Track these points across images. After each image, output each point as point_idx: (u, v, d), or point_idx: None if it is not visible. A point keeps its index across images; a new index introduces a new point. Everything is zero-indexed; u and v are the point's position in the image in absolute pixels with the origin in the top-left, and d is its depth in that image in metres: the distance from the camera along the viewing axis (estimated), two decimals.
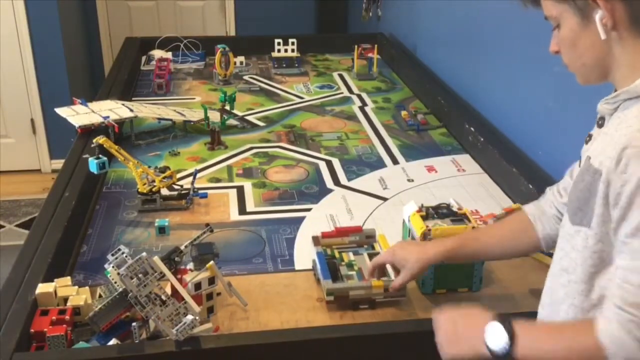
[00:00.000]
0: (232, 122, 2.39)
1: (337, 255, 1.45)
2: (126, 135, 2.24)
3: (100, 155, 1.70)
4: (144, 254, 1.16)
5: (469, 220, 1.41)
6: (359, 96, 2.76)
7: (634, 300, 0.81)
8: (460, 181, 1.97)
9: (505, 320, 0.92)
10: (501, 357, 0.89)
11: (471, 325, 0.97)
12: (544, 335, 0.90)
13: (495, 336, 0.91)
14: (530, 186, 1.73)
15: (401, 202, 1.82)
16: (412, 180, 1.97)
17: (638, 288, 0.81)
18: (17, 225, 3.46)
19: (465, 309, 1.02)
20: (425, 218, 1.41)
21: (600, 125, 0.94)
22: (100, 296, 1.33)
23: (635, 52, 0.87)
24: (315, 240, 1.49)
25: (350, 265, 1.41)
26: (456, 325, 1.00)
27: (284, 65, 3.11)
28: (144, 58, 3.23)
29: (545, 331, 0.92)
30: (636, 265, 0.81)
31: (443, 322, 1.02)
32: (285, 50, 3.17)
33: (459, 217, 1.42)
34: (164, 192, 1.79)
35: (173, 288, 1.24)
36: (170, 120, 2.31)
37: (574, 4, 0.87)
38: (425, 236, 1.36)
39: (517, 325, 0.90)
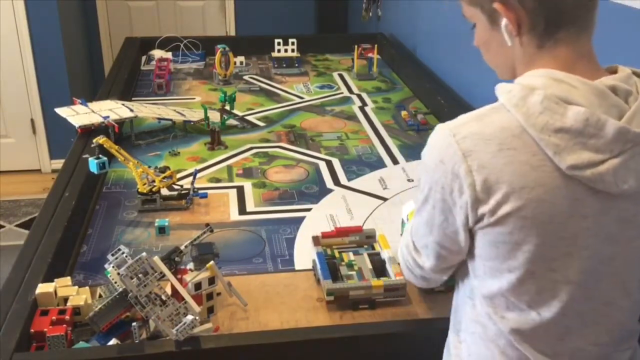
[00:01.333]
0: (232, 122, 2.39)
1: (337, 255, 1.45)
2: (126, 135, 2.24)
3: (100, 155, 1.70)
4: (144, 254, 1.16)
5: None
6: (359, 96, 2.76)
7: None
8: None
9: None
10: None
11: None
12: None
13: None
14: None
15: (401, 202, 1.82)
16: (412, 180, 1.97)
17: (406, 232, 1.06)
18: (17, 225, 3.46)
19: None
20: None
21: None
22: (100, 296, 1.33)
23: (530, 56, 0.90)
24: (315, 240, 1.49)
25: (350, 265, 1.41)
26: None
27: (284, 65, 3.11)
28: (144, 58, 3.23)
29: None
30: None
31: None
32: (285, 50, 3.17)
33: None
34: (164, 192, 1.79)
35: (173, 288, 1.24)
36: (170, 120, 2.31)
37: (482, 8, 0.92)
38: None
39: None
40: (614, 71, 0.91)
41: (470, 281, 0.97)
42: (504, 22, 0.89)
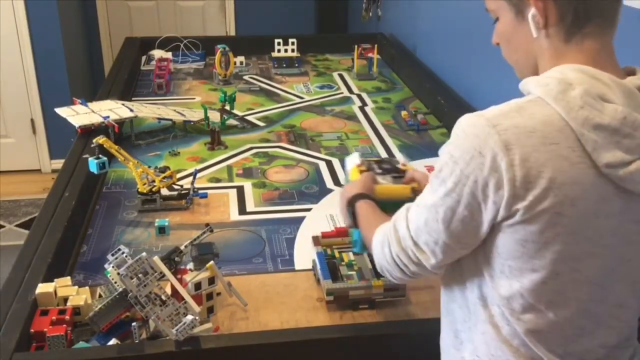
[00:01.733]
0: (232, 122, 2.39)
1: (337, 255, 1.45)
2: (126, 135, 2.24)
3: (100, 155, 1.70)
4: (144, 254, 1.16)
5: (410, 181, 1.32)
6: (359, 96, 2.76)
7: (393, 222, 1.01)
8: None
9: (353, 202, 1.19)
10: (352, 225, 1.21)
11: (342, 203, 1.24)
12: (364, 223, 1.16)
13: (349, 215, 1.20)
14: None
15: None
16: None
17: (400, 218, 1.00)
18: (17, 225, 3.46)
19: (345, 188, 1.28)
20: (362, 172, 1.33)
21: None
22: (100, 296, 1.33)
23: (556, 50, 0.89)
24: (315, 240, 1.49)
25: (350, 265, 1.41)
26: (340, 201, 1.26)
27: (284, 65, 3.11)
28: (144, 58, 3.23)
29: (365, 217, 1.15)
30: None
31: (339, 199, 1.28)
32: (285, 50, 3.17)
33: (401, 175, 1.32)
34: (164, 192, 1.79)
35: (173, 288, 1.24)
36: (170, 120, 2.31)
37: (510, 0, 0.90)
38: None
39: (358, 206, 1.18)
40: (631, 72, 0.91)
41: (482, 282, 0.93)
42: (531, 12, 0.88)
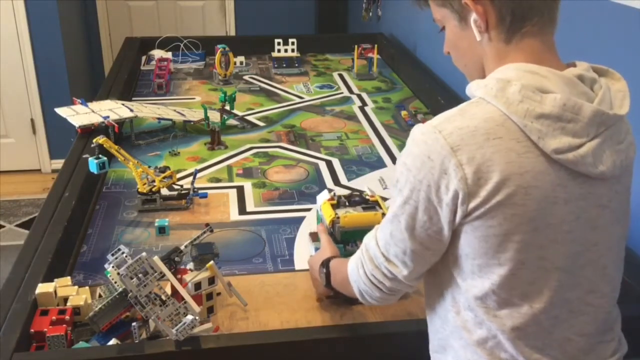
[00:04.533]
0: (232, 122, 2.39)
1: None
2: (126, 135, 2.24)
3: (100, 155, 1.70)
4: (144, 254, 1.16)
5: (380, 207, 1.41)
6: (359, 96, 2.76)
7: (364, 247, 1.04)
8: None
9: (325, 264, 1.23)
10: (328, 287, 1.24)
11: (314, 270, 1.31)
12: (337, 275, 1.18)
13: (322, 275, 1.24)
14: None
15: None
16: None
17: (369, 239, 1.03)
18: (17, 225, 3.46)
19: (313, 258, 1.34)
20: (336, 206, 1.41)
21: None
22: (100, 296, 1.33)
23: (499, 52, 0.93)
24: (313, 236, 1.49)
25: None
26: (312, 272, 1.34)
27: (284, 65, 3.11)
28: (144, 58, 3.23)
29: (338, 271, 1.17)
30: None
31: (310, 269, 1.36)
32: (285, 50, 3.17)
33: (370, 205, 1.42)
34: (164, 192, 1.79)
35: (173, 288, 1.24)
36: (170, 120, 2.31)
37: (452, 7, 0.95)
38: (334, 224, 1.36)
39: (331, 265, 1.22)
40: (572, 66, 0.94)
41: (453, 288, 0.96)
42: (473, 17, 0.92)
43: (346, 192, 1.53)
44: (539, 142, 0.85)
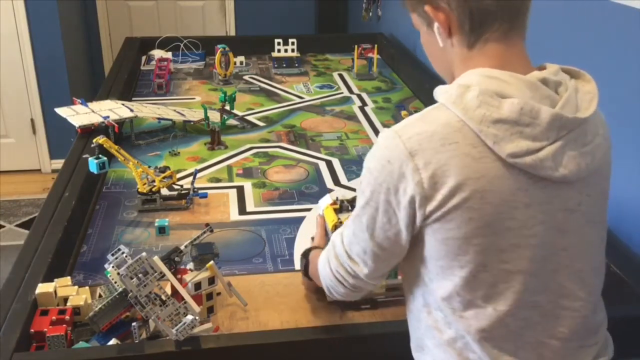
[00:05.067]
0: (232, 122, 2.39)
1: None
2: (126, 135, 2.24)
3: (100, 155, 1.70)
4: (144, 254, 1.16)
5: None
6: (359, 96, 2.76)
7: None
8: None
9: (306, 254, 1.28)
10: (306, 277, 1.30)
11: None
12: (313, 264, 1.20)
13: (302, 265, 1.29)
14: None
15: None
16: None
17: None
18: (17, 225, 3.46)
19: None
20: (339, 211, 1.40)
21: None
22: (100, 296, 1.33)
23: (464, 57, 0.94)
24: None
25: None
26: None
27: (284, 65, 3.11)
28: (144, 58, 3.23)
29: (314, 261, 1.19)
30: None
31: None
32: (285, 50, 3.17)
33: None
34: (164, 192, 1.79)
35: (173, 288, 1.24)
36: (170, 120, 2.31)
37: (419, 14, 0.97)
38: (337, 228, 1.32)
39: (310, 255, 1.26)
40: (542, 69, 0.95)
41: (422, 288, 0.97)
42: (435, 24, 0.94)
43: (350, 193, 1.51)
44: (494, 147, 0.86)
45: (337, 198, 1.45)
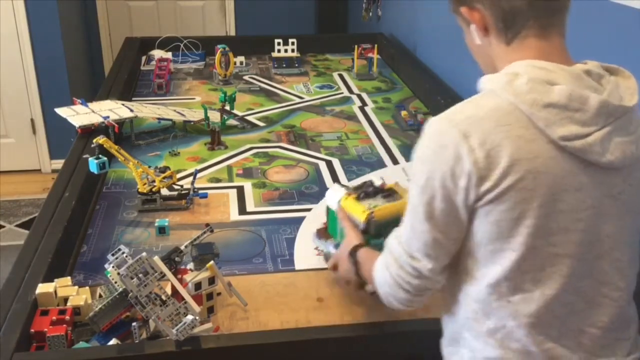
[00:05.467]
0: (232, 122, 2.39)
1: None
2: (126, 135, 2.24)
3: (100, 155, 1.70)
4: (144, 254, 1.16)
5: (401, 196, 1.35)
6: (359, 96, 2.76)
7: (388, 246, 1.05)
8: None
9: (353, 253, 1.22)
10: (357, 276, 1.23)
11: (342, 259, 1.27)
12: (365, 265, 1.17)
13: (351, 264, 1.23)
14: None
15: None
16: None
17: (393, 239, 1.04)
18: (17, 225, 3.46)
19: (342, 248, 1.30)
20: (360, 199, 1.34)
21: None
22: (100, 296, 1.33)
23: (504, 53, 0.98)
24: (321, 233, 1.47)
25: None
26: (340, 261, 1.29)
27: (284, 65, 3.11)
28: (144, 58, 3.23)
29: (367, 262, 1.16)
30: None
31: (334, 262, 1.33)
32: (285, 50, 3.17)
33: (387, 193, 1.36)
34: (164, 192, 1.79)
35: (173, 288, 1.24)
36: (170, 120, 2.31)
37: (460, 16, 1.01)
38: (370, 219, 1.29)
39: (359, 254, 1.21)
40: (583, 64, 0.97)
41: (465, 279, 0.98)
42: (472, 25, 0.99)
43: (353, 182, 1.47)
44: (546, 129, 0.88)
45: (348, 187, 1.40)
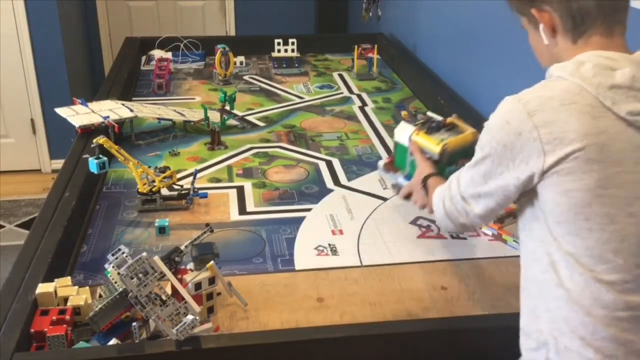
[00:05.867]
0: (232, 122, 2.39)
1: None
2: (126, 135, 2.24)
3: (100, 155, 1.70)
4: (144, 254, 1.16)
5: (462, 128, 1.56)
6: (359, 96, 2.76)
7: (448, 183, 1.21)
8: None
9: (425, 180, 1.41)
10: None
11: (417, 186, 1.45)
12: (431, 192, 1.32)
13: (422, 191, 1.42)
14: None
15: (401, 202, 1.82)
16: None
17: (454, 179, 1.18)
18: (17, 225, 3.46)
19: (414, 179, 1.48)
20: (430, 132, 1.54)
21: None
22: (100, 296, 1.33)
23: (570, 50, 1.04)
24: (388, 166, 1.68)
25: None
26: (412, 189, 1.49)
27: (284, 65, 3.11)
28: (144, 58, 3.23)
29: (433, 189, 1.30)
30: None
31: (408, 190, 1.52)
32: (285, 50, 3.17)
33: (450, 127, 1.55)
34: (164, 192, 1.79)
35: (173, 288, 1.24)
36: (170, 120, 2.31)
37: (527, 16, 1.08)
38: (444, 150, 1.48)
39: (429, 182, 1.39)
40: None
41: (549, 247, 1.01)
42: (541, 25, 1.05)
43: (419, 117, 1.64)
44: (613, 107, 0.95)
45: (417, 123, 1.59)
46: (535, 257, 1.04)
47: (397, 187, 1.62)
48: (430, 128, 1.56)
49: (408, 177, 1.58)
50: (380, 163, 1.73)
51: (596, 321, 0.98)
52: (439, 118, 1.58)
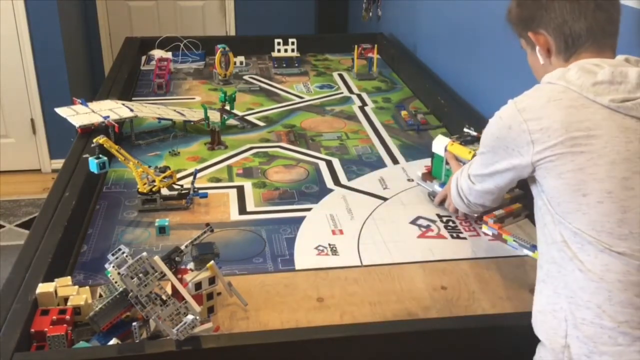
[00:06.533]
0: (232, 122, 2.39)
1: None
2: (126, 135, 2.24)
3: (101, 155, 1.70)
4: (145, 253, 1.16)
5: None
6: (359, 96, 2.76)
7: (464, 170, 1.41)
8: None
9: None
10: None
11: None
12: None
13: None
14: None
15: (401, 202, 1.82)
16: (412, 180, 1.97)
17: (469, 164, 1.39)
18: (17, 225, 3.46)
19: (448, 185, 1.61)
20: (465, 144, 1.73)
21: None
22: (100, 296, 1.33)
23: (560, 67, 1.15)
24: (425, 176, 1.87)
25: None
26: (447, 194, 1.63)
27: (284, 65, 3.11)
28: (144, 58, 3.23)
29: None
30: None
31: (442, 196, 1.75)
32: (285, 50, 3.17)
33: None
34: (164, 192, 1.79)
35: (173, 288, 1.24)
36: (170, 120, 2.31)
37: (525, 40, 1.22)
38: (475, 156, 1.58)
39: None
40: None
41: (558, 226, 1.10)
42: (537, 47, 1.19)
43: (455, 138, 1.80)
44: (597, 98, 1.05)
45: (454, 137, 1.79)
46: (551, 239, 1.12)
47: (433, 195, 1.80)
48: (465, 141, 1.75)
49: (443, 185, 1.77)
50: (419, 173, 1.91)
51: (610, 286, 1.04)
52: (474, 133, 1.76)
